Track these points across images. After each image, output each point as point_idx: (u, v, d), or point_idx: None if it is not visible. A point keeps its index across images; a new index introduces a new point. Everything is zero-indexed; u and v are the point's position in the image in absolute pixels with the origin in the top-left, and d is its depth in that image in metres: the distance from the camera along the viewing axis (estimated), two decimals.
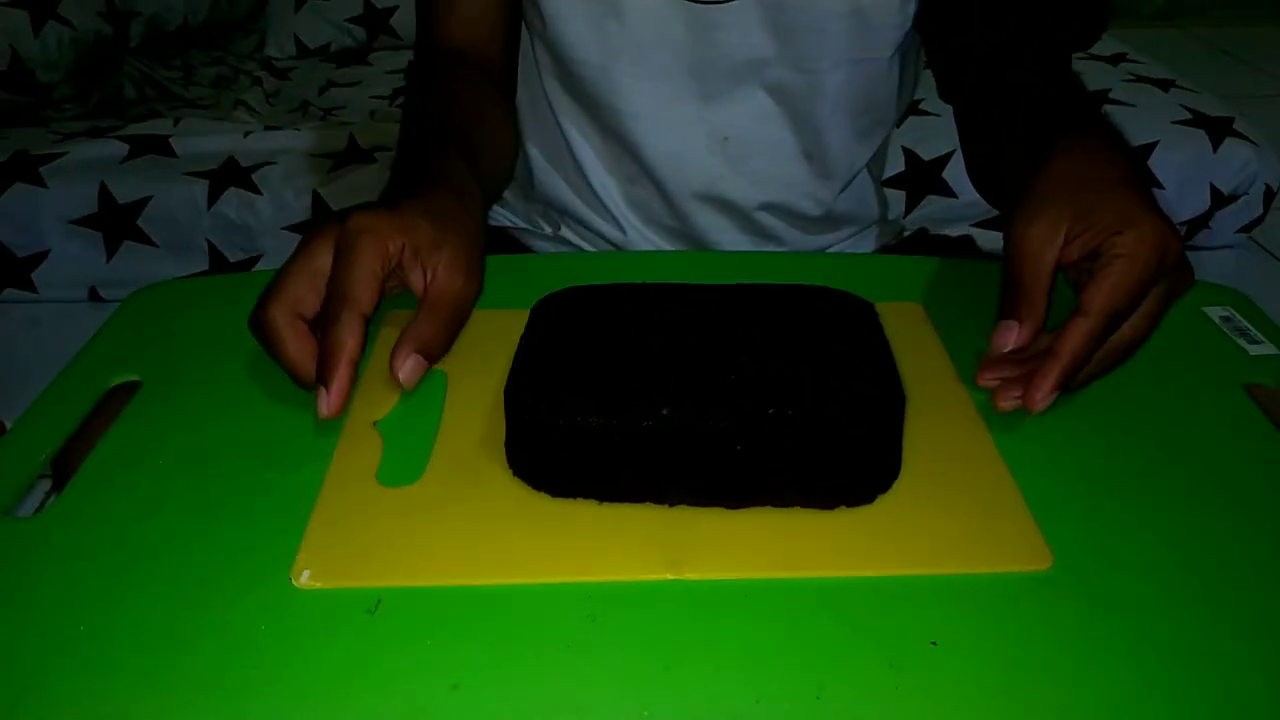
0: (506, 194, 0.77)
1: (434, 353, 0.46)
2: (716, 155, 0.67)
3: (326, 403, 0.42)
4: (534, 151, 0.71)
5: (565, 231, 0.73)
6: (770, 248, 0.72)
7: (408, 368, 0.45)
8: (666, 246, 0.71)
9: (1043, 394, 0.43)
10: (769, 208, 0.69)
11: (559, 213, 0.73)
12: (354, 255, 0.44)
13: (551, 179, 0.71)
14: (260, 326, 0.44)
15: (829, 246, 0.74)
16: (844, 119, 0.67)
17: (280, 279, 0.45)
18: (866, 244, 0.76)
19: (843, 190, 0.71)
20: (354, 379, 0.44)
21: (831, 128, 0.67)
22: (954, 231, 0.85)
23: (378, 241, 0.44)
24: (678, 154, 0.67)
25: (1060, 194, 0.47)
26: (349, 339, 0.43)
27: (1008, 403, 0.44)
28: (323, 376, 0.43)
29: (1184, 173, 1.31)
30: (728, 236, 0.70)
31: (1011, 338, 0.45)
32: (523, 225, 0.76)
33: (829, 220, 0.72)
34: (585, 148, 0.69)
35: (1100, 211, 0.45)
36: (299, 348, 0.44)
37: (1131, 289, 0.43)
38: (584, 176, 0.69)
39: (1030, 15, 0.63)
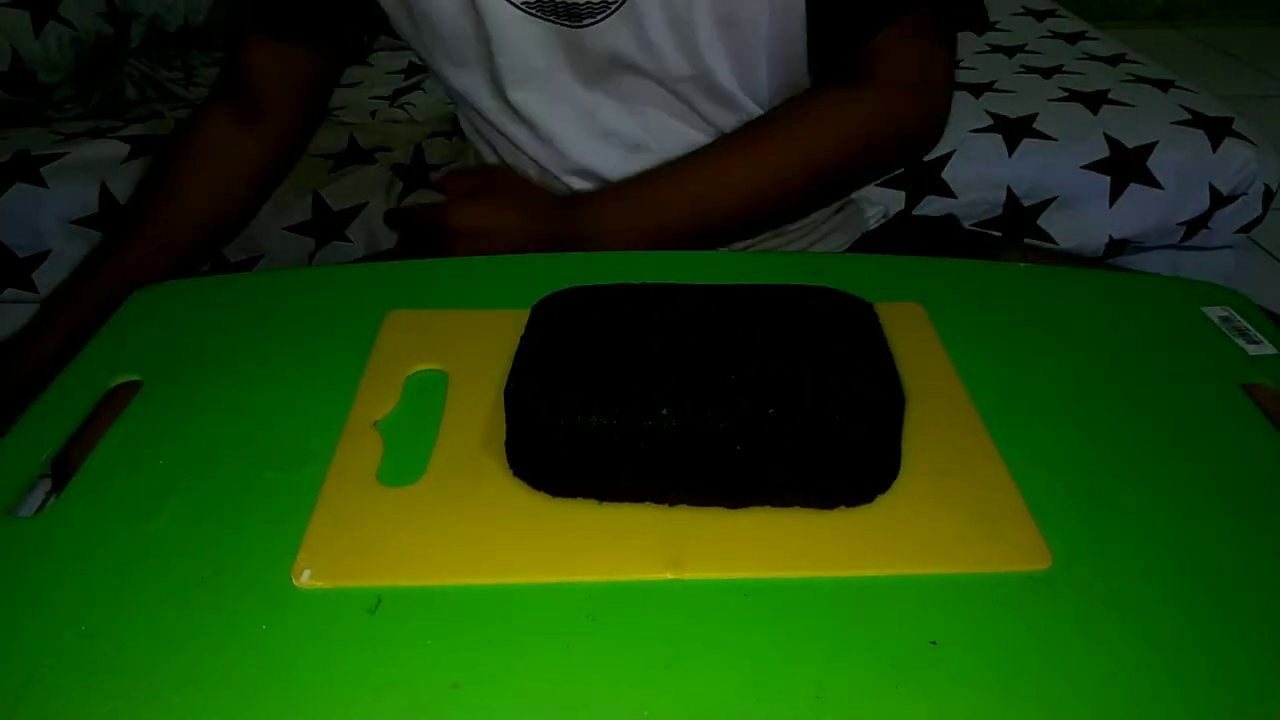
0: None
1: None
2: (634, 165, 0.68)
3: None
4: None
5: None
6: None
7: None
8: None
9: None
10: None
11: None
12: None
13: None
14: None
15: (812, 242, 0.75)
16: (745, 100, 0.67)
17: None
18: (851, 231, 0.76)
19: None
20: None
21: (733, 113, 0.68)
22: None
23: None
24: (594, 163, 0.69)
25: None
26: None
27: None
28: None
29: (1183, 173, 1.31)
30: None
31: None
32: None
33: None
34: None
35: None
36: None
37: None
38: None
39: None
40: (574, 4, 0.62)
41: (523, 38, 0.64)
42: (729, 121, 0.67)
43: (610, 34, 0.62)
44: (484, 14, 0.63)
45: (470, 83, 0.67)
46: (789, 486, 0.40)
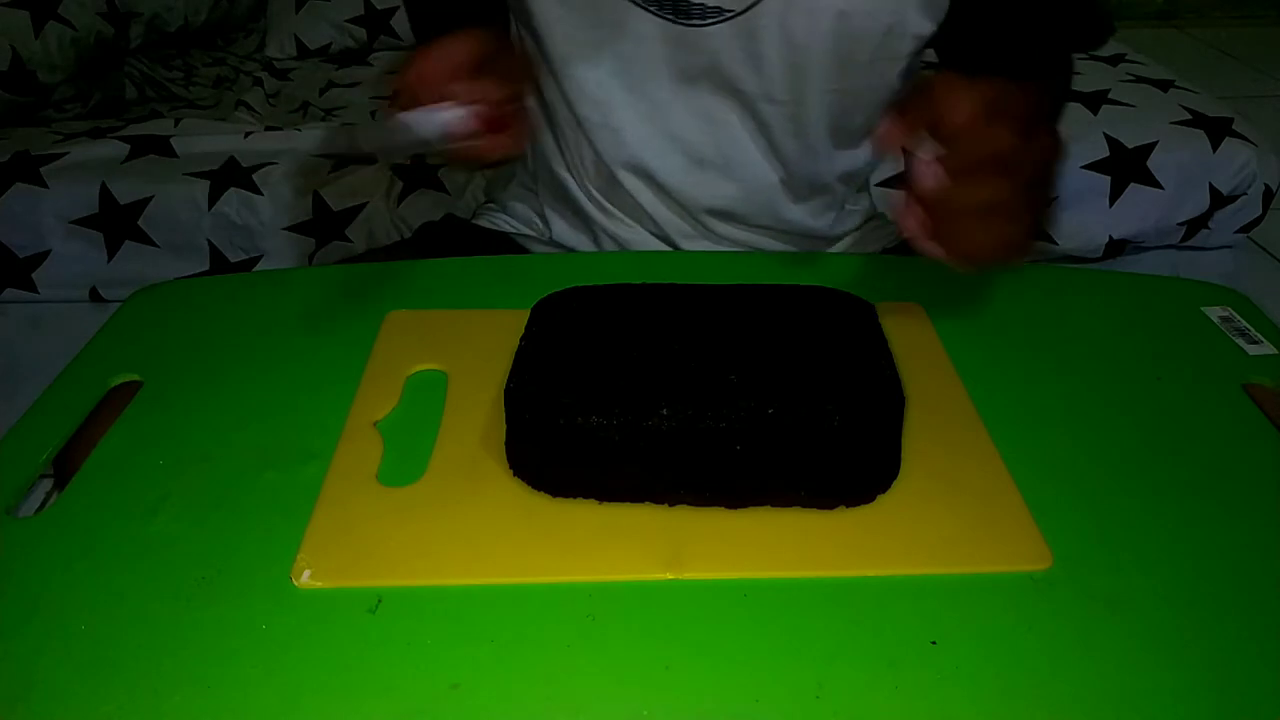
0: (508, 201, 0.77)
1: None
2: (693, 178, 0.68)
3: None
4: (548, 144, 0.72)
5: (557, 235, 0.74)
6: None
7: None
8: (641, 240, 0.72)
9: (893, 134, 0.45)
10: (723, 215, 0.70)
11: (556, 198, 0.73)
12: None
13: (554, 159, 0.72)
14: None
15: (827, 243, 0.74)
16: (824, 140, 0.67)
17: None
18: (875, 245, 0.76)
19: (812, 198, 0.72)
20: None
21: (799, 151, 0.67)
22: None
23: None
24: (653, 163, 0.67)
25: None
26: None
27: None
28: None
29: (1183, 173, 1.30)
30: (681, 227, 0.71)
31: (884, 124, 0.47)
32: (524, 231, 0.76)
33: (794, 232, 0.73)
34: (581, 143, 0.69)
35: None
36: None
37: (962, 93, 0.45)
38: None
39: (1035, 21, 0.64)
40: (685, 2, 0.60)
41: (621, 22, 0.62)
42: (793, 150, 0.67)
43: (718, 39, 0.61)
44: None
45: (560, 42, 0.65)
46: (789, 487, 0.40)
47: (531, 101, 0.72)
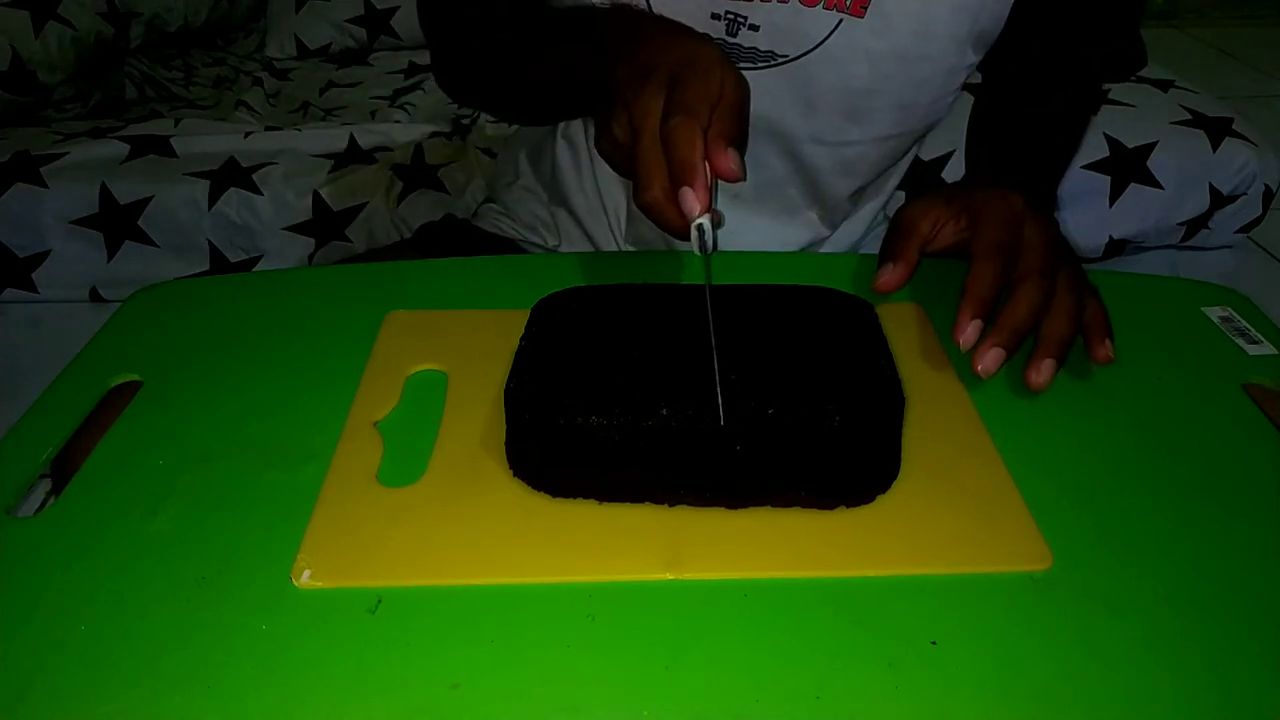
0: (512, 203, 0.77)
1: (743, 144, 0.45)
2: (724, 207, 0.67)
3: (694, 198, 0.41)
4: (562, 158, 0.72)
5: (565, 247, 0.74)
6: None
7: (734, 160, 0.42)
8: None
9: (963, 330, 0.45)
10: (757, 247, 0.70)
11: (570, 214, 0.73)
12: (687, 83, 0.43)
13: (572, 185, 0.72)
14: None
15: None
16: (858, 181, 0.68)
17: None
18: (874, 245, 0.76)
19: (843, 221, 0.72)
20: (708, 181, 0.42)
21: (844, 188, 0.68)
22: None
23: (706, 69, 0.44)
24: None
25: (944, 191, 0.55)
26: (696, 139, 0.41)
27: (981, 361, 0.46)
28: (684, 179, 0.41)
29: (1183, 173, 1.30)
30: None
31: (885, 273, 0.52)
32: (528, 237, 0.76)
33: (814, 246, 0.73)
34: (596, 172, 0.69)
35: (970, 203, 0.52)
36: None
37: (1002, 223, 0.49)
38: (599, 192, 0.70)
39: (1068, 47, 0.65)
40: (730, 45, 0.59)
41: None
42: (836, 187, 0.67)
43: (767, 83, 0.60)
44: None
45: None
46: (789, 487, 0.40)
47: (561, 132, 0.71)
